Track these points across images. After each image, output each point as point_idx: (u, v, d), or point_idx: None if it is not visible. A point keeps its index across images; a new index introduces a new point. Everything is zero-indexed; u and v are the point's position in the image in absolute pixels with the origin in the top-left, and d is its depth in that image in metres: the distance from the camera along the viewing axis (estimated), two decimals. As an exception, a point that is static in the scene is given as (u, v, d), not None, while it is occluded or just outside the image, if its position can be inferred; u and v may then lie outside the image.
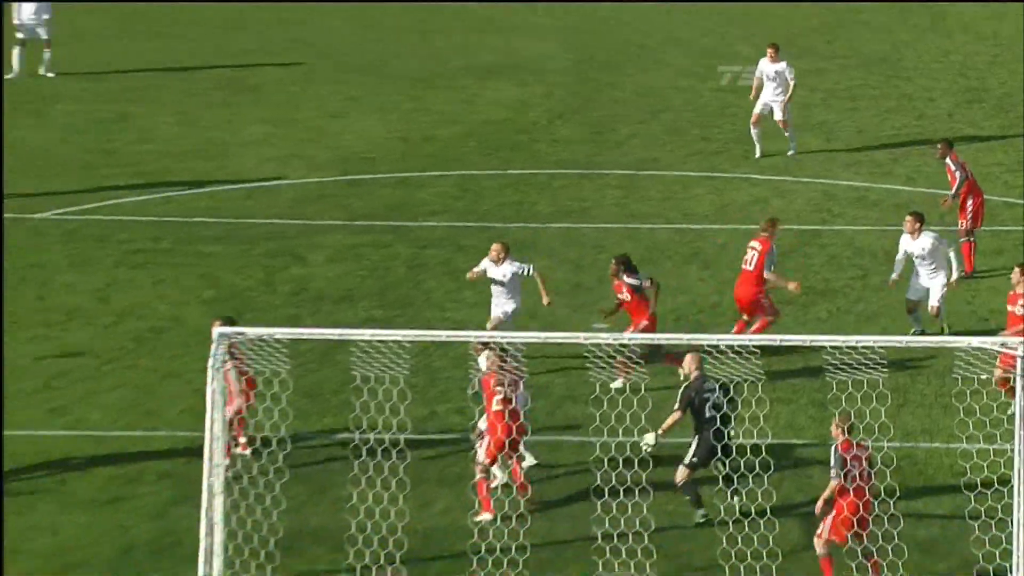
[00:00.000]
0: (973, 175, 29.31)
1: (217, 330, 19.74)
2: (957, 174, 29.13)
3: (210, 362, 19.57)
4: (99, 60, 39.75)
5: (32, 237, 30.54)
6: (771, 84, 33.70)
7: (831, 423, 20.21)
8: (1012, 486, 19.73)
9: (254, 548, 20.03)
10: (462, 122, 36.91)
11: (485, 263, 25.32)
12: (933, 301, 26.32)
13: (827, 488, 19.97)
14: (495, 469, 21.60)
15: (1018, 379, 19.65)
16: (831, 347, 20.54)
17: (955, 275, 26.41)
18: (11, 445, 23.48)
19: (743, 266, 25.83)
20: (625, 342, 20.59)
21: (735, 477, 21.13)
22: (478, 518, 20.90)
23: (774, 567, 20.23)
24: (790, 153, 33.91)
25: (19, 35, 38.64)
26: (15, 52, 38.74)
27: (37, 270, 29.20)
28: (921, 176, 33.84)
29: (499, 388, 21.31)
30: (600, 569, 20.10)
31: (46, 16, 38.59)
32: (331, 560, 20.75)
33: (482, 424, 21.76)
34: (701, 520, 21.14)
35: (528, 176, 33.80)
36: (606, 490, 20.71)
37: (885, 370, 20.75)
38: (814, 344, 20.81)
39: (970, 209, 29.06)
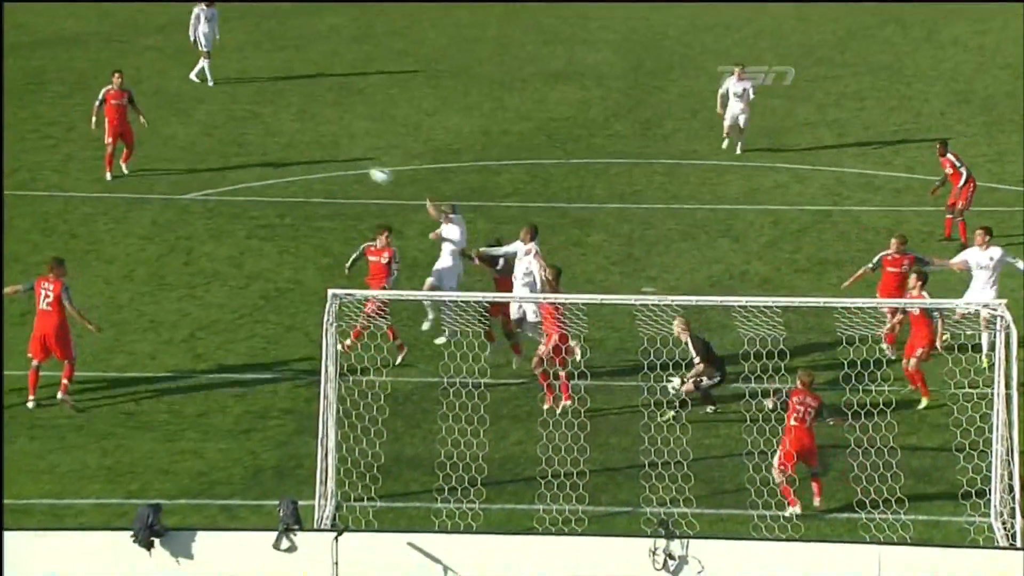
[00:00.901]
0: (967, 166, 29.14)
1: (331, 291, 19.83)
2: (962, 169, 28.85)
3: (324, 318, 19.68)
4: (235, 68, 39.86)
5: (180, 214, 30.75)
6: (737, 101, 32.61)
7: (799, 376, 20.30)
8: (991, 423, 19.62)
9: (360, 472, 20.16)
10: (533, 119, 36.81)
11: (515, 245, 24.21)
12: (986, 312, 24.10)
13: (766, 403, 20.52)
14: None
15: (998, 333, 19.51)
16: (841, 308, 20.45)
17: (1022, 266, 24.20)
18: (161, 385, 23.73)
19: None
20: (669, 302, 20.54)
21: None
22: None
23: (792, 491, 20.20)
24: (738, 151, 33.09)
25: (201, 48, 38.37)
26: (203, 64, 38.51)
27: (184, 241, 29.40)
28: (918, 165, 33.52)
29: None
30: (647, 492, 20.11)
31: (216, 34, 38.52)
32: (423, 483, 20.84)
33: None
34: (711, 411, 21.82)
35: (587, 164, 33.69)
36: (652, 426, 20.72)
37: (886, 327, 20.61)
38: (827, 305, 20.74)
39: (967, 194, 28.80)
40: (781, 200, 31.61)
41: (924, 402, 21.88)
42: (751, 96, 33.07)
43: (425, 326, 24.25)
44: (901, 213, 30.86)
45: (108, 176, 32.05)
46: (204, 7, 38.48)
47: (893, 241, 24.45)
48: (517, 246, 24.02)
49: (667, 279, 27.67)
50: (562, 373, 22.09)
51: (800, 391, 20.21)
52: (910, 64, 41.13)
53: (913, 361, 21.84)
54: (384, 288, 23.44)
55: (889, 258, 24.20)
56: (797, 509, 19.91)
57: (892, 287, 24.03)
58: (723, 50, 42.37)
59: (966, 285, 24.45)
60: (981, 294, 23.95)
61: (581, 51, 42.39)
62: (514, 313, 23.37)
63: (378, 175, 20.44)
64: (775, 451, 20.31)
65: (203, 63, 38.59)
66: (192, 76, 38.78)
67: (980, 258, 24.28)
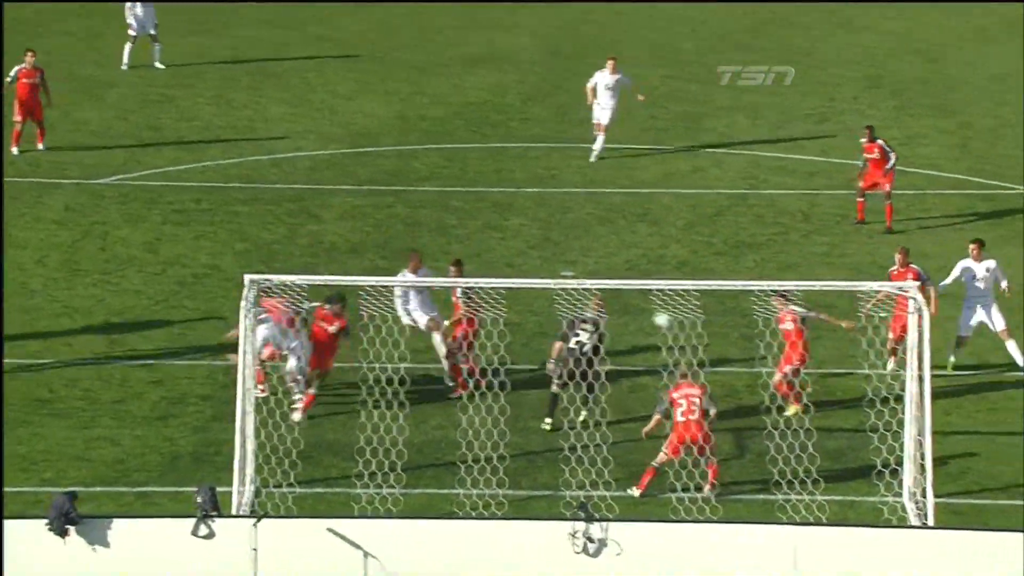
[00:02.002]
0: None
1: (248, 277, 19.68)
2: (891, 155, 28.88)
3: (242, 303, 19.53)
4: (149, 53, 39.38)
5: (94, 199, 30.39)
6: (607, 94, 31.29)
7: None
8: (904, 404, 19.85)
9: (279, 458, 20.04)
10: (450, 104, 36.75)
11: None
12: (1000, 325, 23.39)
13: (651, 422, 20.27)
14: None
15: (911, 316, 19.73)
16: (758, 290, 20.60)
17: (1005, 285, 23.47)
18: (76, 372, 23.45)
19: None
20: (587, 286, 20.59)
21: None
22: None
23: (651, 477, 20.32)
24: (592, 158, 31.51)
25: (131, 32, 37.96)
26: (127, 48, 38.12)
27: (98, 226, 29.06)
28: (832, 149, 33.81)
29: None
30: (566, 475, 20.16)
31: (154, 18, 38.04)
32: (342, 468, 20.77)
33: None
34: (548, 423, 21.35)
35: (505, 148, 33.69)
36: (571, 409, 20.76)
37: (802, 310, 20.79)
38: (744, 288, 20.87)
39: (892, 177, 28.95)
40: (698, 184, 31.78)
41: (792, 409, 21.63)
42: (627, 89, 31.52)
43: None
44: (815, 196, 31.13)
45: (15, 151, 31.77)
46: None
47: (897, 256, 23.45)
48: (407, 277, 22.88)
49: (585, 263, 27.74)
50: (463, 364, 22.04)
51: (681, 384, 20.29)
52: (824, 49, 41.49)
53: (778, 376, 21.78)
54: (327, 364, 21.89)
55: (895, 272, 23.25)
56: (636, 493, 20.01)
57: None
58: (639, 37, 42.50)
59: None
60: (982, 309, 23.26)
61: (498, 36, 42.35)
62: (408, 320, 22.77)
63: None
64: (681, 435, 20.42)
65: (157, 46, 38.17)
66: (157, 64, 38.23)
67: (977, 270, 23.56)
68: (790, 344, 21.78)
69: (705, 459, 20.22)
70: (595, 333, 21.05)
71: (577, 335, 20.98)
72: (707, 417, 20.15)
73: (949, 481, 20.52)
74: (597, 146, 31.76)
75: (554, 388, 21.28)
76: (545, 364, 21.27)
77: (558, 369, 21.23)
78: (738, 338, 24.26)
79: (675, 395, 20.25)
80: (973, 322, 23.58)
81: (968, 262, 23.71)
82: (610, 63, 31.86)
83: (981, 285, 23.52)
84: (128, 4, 38.18)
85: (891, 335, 22.65)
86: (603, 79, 31.75)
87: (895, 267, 23.48)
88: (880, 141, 29.10)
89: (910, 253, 23.56)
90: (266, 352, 21.45)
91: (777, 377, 21.69)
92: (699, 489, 20.07)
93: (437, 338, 22.81)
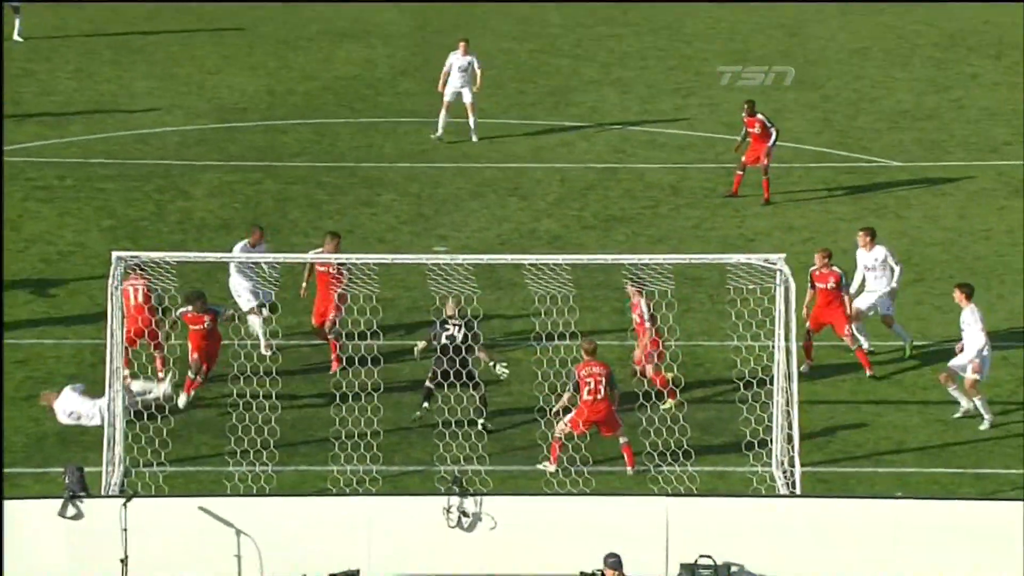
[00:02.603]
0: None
1: (115, 254, 19.42)
2: (772, 129, 28.92)
3: (109, 281, 19.27)
4: (8, 26, 38.54)
5: (-48, 176, 29.66)
6: (461, 75, 31.38)
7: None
8: (772, 376, 20.19)
9: (149, 437, 19.82)
10: (319, 78, 36.48)
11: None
12: (885, 310, 23.19)
13: (562, 399, 20.35)
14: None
15: (778, 288, 20.05)
16: (628, 264, 20.79)
17: (897, 279, 23.14)
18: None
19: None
20: (460, 262, 20.59)
21: (484, 409, 21.08)
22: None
23: (583, 445, 20.52)
24: (473, 139, 31.40)
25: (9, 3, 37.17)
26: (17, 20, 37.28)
27: (-41, 204, 28.40)
28: (699, 123, 34.13)
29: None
30: (440, 450, 20.19)
31: None
32: (214, 446, 20.60)
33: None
34: (417, 416, 21.01)
35: (375, 124, 33.54)
36: (445, 385, 20.79)
37: (672, 282, 21.05)
38: (615, 262, 21.05)
39: (772, 152, 29.19)
40: (568, 158, 31.94)
41: (668, 403, 21.48)
42: (477, 71, 31.32)
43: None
44: (685, 170, 31.46)
45: None
46: None
47: (817, 257, 22.98)
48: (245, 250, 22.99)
49: (458, 238, 27.76)
50: (330, 338, 21.98)
51: (587, 363, 20.43)
52: (690, 24, 41.87)
53: (649, 368, 21.85)
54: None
55: (816, 273, 22.88)
56: (552, 467, 20.18)
57: (820, 305, 22.77)
58: (507, 10, 42.53)
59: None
60: (875, 295, 22.85)
61: (366, 9, 42.09)
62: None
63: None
64: (565, 407, 20.56)
65: (17, 19, 37.32)
66: (16, 37, 37.37)
67: (866, 259, 23.27)
68: (642, 332, 21.84)
69: (619, 439, 20.35)
70: (463, 326, 20.98)
71: (447, 330, 20.91)
72: (611, 396, 20.32)
73: (815, 450, 20.92)
74: (472, 124, 31.71)
75: (428, 384, 21.11)
76: (414, 350, 21.17)
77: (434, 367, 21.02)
78: (609, 311, 24.46)
79: (581, 372, 20.34)
80: (866, 300, 23.13)
81: (859, 252, 23.43)
82: (462, 45, 31.78)
83: (872, 274, 23.15)
84: None
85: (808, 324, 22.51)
86: (458, 61, 31.83)
87: (815, 267, 22.96)
88: (760, 115, 29.35)
89: (832, 256, 22.97)
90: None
91: (649, 369, 21.75)
92: (572, 462, 20.21)
93: (256, 320, 22.54)
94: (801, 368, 21.76)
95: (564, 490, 19.64)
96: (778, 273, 19.99)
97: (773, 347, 20.10)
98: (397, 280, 24.81)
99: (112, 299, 19.20)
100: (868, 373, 22.81)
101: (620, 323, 23.56)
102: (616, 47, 39.53)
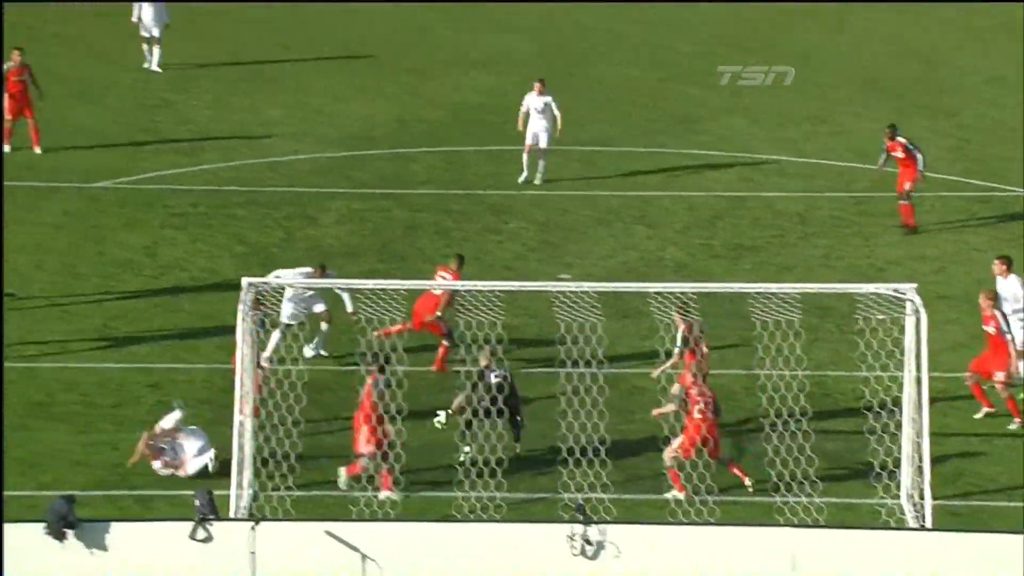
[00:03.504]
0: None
1: (246, 280, 19.75)
2: (916, 152, 28.47)
3: (239, 307, 19.60)
4: (148, 55, 39.44)
5: (91, 203, 30.43)
6: (539, 116, 30.50)
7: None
8: (902, 406, 19.92)
9: (277, 461, 20.09)
10: (447, 106, 36.82)
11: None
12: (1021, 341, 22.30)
13: (666, 406, 20.31)
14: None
15: (908, 318, 19.80)
16: (755, 293, 20.66)
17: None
18: (74, 375, 23.50)
19: None
20: (585, 289, 20.63)
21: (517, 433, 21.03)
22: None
23: (707, 475, 20.40)
24: (537, 181, 30.73)
25: (143, 33, 38.09)
26: (144, 48, 38.26)
27: (95, 230, 29.11)
28: (830, 152, 33.88)
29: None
30: (564, 478, 20.22)
31: (165, 18, 38.09)
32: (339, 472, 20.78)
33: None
34: (463, 458, 20.77)
35: (503, 151, 33.75)
36: (569, 412, 20.84)
37: (800, 312, 20.87)
38: (741, 291, 20.93)
39: (915, 176, 28.48)
40: (696, 186, 31.86)
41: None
42: (555, 112, 30.52)
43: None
44: (813, 199, 31.22)
45: (7, 148, 31.95)
46: None
47: (981, 298, 22.07)
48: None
49: (583, 265, 27.81)
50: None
51: (696, 383, 20.38)
52: (820, 52, 41.58)
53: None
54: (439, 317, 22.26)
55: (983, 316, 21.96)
56: (681, 495, 20.08)
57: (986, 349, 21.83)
58: (637, 39, 42.59)
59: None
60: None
61: (495, 38, 42.43)
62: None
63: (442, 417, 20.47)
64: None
65: (156, 49, 38.26)
66: (154, 67, 38.29)
67: (1002, 289, 22.62)
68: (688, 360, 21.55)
69: (722, 460, 20.28)
70: (505, 378, 20.96)
71: (488, 380, 20.90)
72: (716, 421, 20.28)
73: (946, 483, 20.59)
74: (541, 166, 30.98)
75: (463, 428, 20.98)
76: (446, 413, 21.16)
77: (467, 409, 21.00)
78: (735, 340, 24.32)
79: (692, 392, 20.29)
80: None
81: (997, 281, 22.86)
82: (537, 85, 30.88)
83: (1008, 306, 22.46)
84: (136, 4, 38.17)
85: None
86: (533, 102, 30.79)
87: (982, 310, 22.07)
88: (901, 138, 28.94)
89: (997, 299, 22.07)
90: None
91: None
92: (697, 492, 20.12)
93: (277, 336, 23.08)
94: (979, 415, 21.32)
95: (689, 519, 19.54)
96: (909, 303, 19.74)
97: (903, 378, 19.84)
98: (522, 308, 24.91)
99: (242, 324, 19.52)
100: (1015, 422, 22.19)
101: (747, 352, 23.43)
102: (748, 76, 39.33)
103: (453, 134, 34.88)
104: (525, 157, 30.95)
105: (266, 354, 22.53)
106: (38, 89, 32.38)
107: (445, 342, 23.31)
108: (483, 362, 21.24)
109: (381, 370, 20.07)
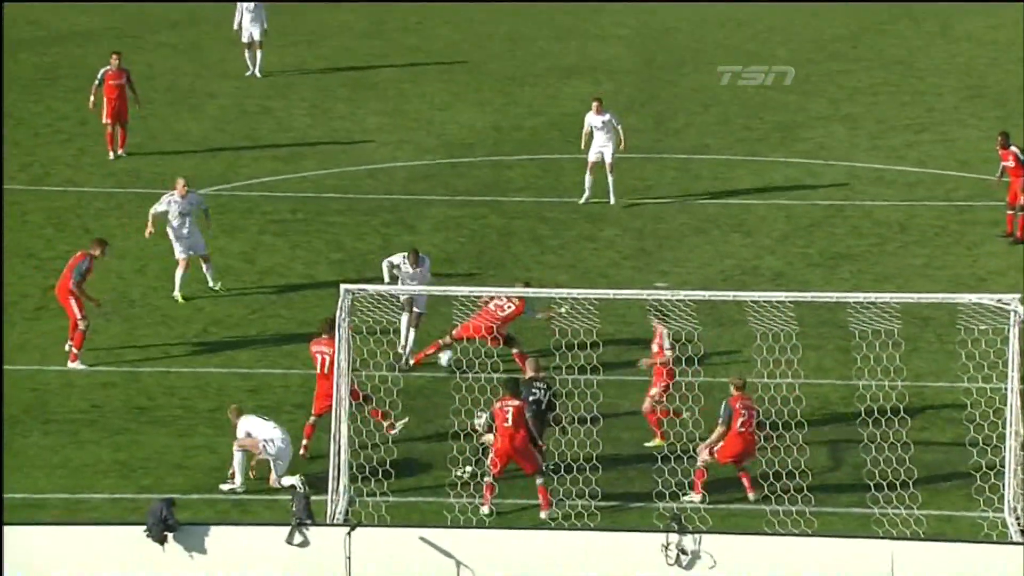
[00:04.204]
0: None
1: (343, 286, 19.85)
2: None
3: (337, 313, 19.71)
4: (247, 63, 39.85)
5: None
6: (600, 133, 29.79)
7: (730, 380, 20.02)
8: (1004, 419, 19.59)
9: (373, 467, 20.18)
10: (545, 114, 36.81)
11: None
12: None
13: (715, 433, 20.07)
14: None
15: (1012, 329, 19.48)
16: (854, 302, 20.44)
17: None
18: (174, 380, 23.77)
19: None
20: (681, 297, 20.54)
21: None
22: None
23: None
24: (611, 201, 29.94)
25: (244, 40, 38.58)
26: (246, 55, 38.76)
27: (196, 236, 29.37)
28: (930, 160, 33.45)
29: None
30: (659, 486, 20.11)
31: (263, 22, 38.46)
32: (436, 477, 20.86)
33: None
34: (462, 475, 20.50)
35: (600, 159, 33.61)
36: (664, 421, 20.67)
37: (899, 321, 20.61)
38: (839, 300, 20.71)
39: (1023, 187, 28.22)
40: (793, 194, 31.58)
41: (655, 442, 21.21)
42: (617, 127, 29.74)
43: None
44: (913, 207, 30.83)
45: (111, 155, 32.40)
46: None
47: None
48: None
49: (679, 274, 27.67)
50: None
51: (739, 396, 20.25)
52: (923, 58, 41.06)
53: (647, 403, 21.44)
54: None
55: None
56: (698, 498, 19.93)
57: None
58: (735, 45, 42.32)
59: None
60: None
61: (592, 46, 42.36)
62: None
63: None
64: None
65: (259, 53, 38.66)
66: (256, 73, 38.71)
67: None
68: (656, 368, 21.44)
69: (740, 468, 20.21)
70: (548, 391, 20.85)
71: (533, 394, 20.79)
72: (757, 432, 20.21)
73: (1050, 497, 20.19)
74: (610, 183, 29.97)
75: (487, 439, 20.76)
76: (473, 422, 20.97)
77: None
78: (833, 350, 24.06)
79: (736, 405, 20.19)
80: None
81: None
82: (595, 104, 30.10)
83: None
84: (239, 5, 38.48)
85: None
86: (593, 120, 30.07)
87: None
88: (1014, 148, 28.52)
89: None
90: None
91: (646, 404, 21.39)
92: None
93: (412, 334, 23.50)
94: None
95: (785, 530, 19.35)
96: (1012, 314, 19.41)
97: (1006, 389, 19.51)
98: (618, 315, 24.83)
99: (339, 329, 19.63)
100: None
101: (844, 361, 23.19)
102: (845, 83, 38.99)
103: (550, 142, 34.86)
104: (588, 178, 30.17)
105: (408, 345, 23.04)
106: (135, 94, 32.78)
107: (515, 350, 23.16)
108: (529, 372, 21.09)
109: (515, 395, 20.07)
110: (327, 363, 21.17)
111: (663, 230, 29.79)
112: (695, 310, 21.44)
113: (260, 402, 23.02)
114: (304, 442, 21.48)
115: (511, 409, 20.07)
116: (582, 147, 30.52)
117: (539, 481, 19.97)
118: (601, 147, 30.05)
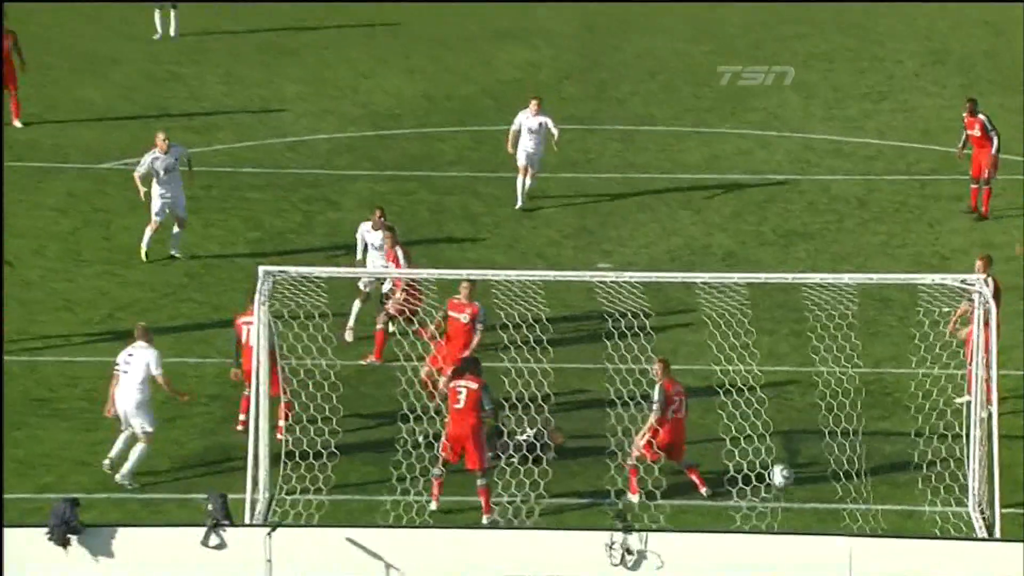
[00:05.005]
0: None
1: (262, 268, 19.77)
2: (993, 134, 28.19)
3: (256, 297, 19.63)
4: (163, 22, 39.53)
5: (96, 184, 30.55)
6: (532, 137, 28.60)
7: (656, 363, 20.07)
8: (968, 407, 19.81)
9: (296, 462, 20.12)
10: (479, 82, 36.80)
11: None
12: None
13: (648, 421, 20.09)
14: None
15: (977, 311, 19.71)
16: (809, 283, 20.61)
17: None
18: (78, 370, 23.61)
19: None
20: (626, 279, 20.61)
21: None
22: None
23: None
24: (518, 204, 28.94)
25: None
26: (156, 16, 38.52)
27: (101, 214, 29.22)
28: (890, 130, 33.75)
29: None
30: (604, 483, 20.21)
31: None
32: (364, 473, 20.83)
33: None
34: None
35: (538, 130, 33.64)
36: (612, 414, 20.82)
37: (857, 304, 20.80)
38: (794, 281, 20.88)
39: (996, 160, 28.23)
40: (745, 168, 31.79)
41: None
42: (552, 130, 28.55)
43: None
44: (872, 182, 31.10)
45: (18, 124, 32.20)
46: None
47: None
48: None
49: (623, 253, 27.79)
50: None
51: (670, 381, 20.29)
52: (882, 23, 41.38)
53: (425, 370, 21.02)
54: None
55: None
56: (636, 499, 20.02)
57: None
58: (683, 10, 42.45)
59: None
60: None
61: (530, 8, 42.36)
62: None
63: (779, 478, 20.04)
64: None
65: (173, 13, 38.43)
66: (172, 32, 38.49)
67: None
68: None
69: (686, 465, 20.30)
70: (537, 435, 20.83)
71: (517, 435, 20.83)
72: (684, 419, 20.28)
73: (1018, 490, 20.49)
74: (527, 186, 29.04)
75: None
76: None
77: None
78: (788, 334, 24.26)
79: (671, 391, 20.25)
80: None
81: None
82: (533, 104, 28.80)
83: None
84: None
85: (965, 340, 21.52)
86: (527, 121, 28.76)
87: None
88: (982, 116, 28.66)
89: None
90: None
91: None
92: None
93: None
94: None
95: (738, 527, 19.50)
96: (977, 295, 19.64)
97: (971, 373, 19.72)
98: (559, 299, 24.89)
99: (258, 315, 19.56)
100: None
101: (798, 345, 23.38)
102: (799, 48, 39.25)
103: (484, 111, 34.87)
104: (520, 180, 28.99)
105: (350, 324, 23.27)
106: (21, 59, 32.46)
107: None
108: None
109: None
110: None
111: (606, 207, 29.89)
112: (641, 293, 21.53)
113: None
114: (241, 417, 21.43)
115: (465, 390, 20.02)
116: (508, 148, 29.15)
117: (481, 482, 19.99)
118: (530, 152, 28.79)
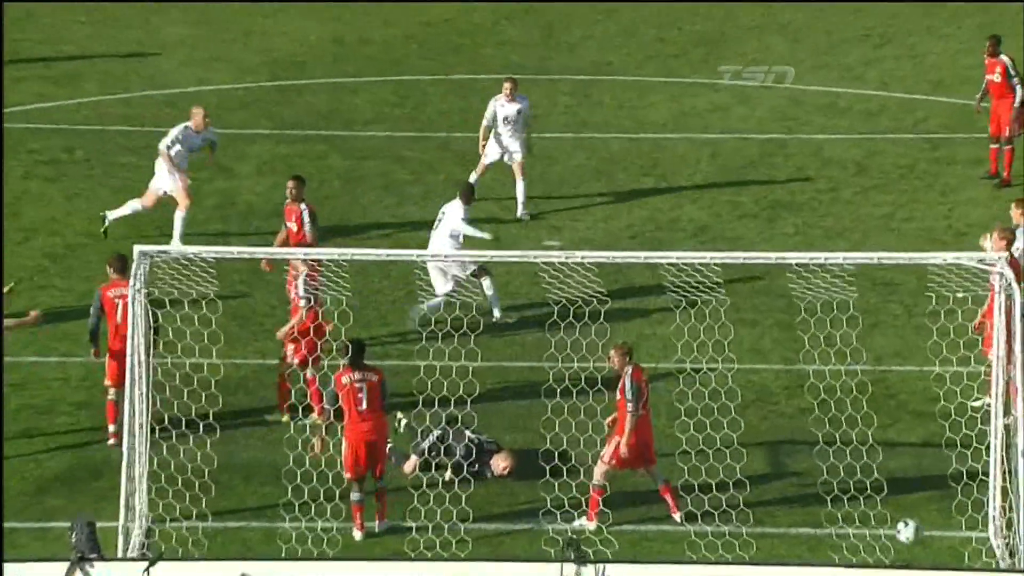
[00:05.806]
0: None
1: (138, 248, 19.74)
2: (1015, 82, 28.22)
3: (130, 282, 19.60)
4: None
5: (-67, 147, 30.40)
6: (508, 128, 28.05)
7: (614, 351, 20.11)
8: (988, 413, 20.00)
9: (182, 483, 20.11)
10: (400, 24, 36.83)
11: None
12: None
13: (628, 421, 20.12)
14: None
15: (998, 295, 19.88)
16: (797, 264, 20.74)
17: None
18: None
19: None
20: (579, 260, 20.68)
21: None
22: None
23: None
24: (519, 214, 28.25)
25: None
26: None
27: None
28: (895, 81, 34.01)
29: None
30: (549, 504, 20.30)
31: None
32: (264, 496, 20.87)
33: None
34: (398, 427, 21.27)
35: (472, 81, 33.79)
36: (557, 422, 20.91)
37: (855, 289, 20.99)
38: (780, 262, 21.00)
39: (1015, 115, 28.32)
40: (721, 127, 31.97)
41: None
42: (529, 120, 28.27)
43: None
44: (873, 142, 31.35)
45: None
46: None
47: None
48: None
49: (576, 229, 27.92)
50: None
51: (638, 370, 20.31)
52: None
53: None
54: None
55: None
56: (593, 525, 20.13)
57: None
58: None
59: None
60: None
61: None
62: None
63: (907, 534, 19.54)
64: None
65: None
66: None
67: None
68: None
69: (659, 479, 20.41)
70: (474, 443, 21.13)
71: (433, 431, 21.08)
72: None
73: (1046, 510, 20.73)
74: (519, 194, 28.33)
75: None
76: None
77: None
78: (772, 326, 24.42)
79: (640, 380, 20.20)
80: None
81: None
82: (507, 87, 28.13)
83: None
84: None
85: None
86: (502, 109, 28.16)
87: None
88: (1005, 57, 28.76)
89: None
90: None
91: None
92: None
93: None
94: None
95: (714, 556, 19.64)
96: (997, 277, 19.82)
97: (993, 373, 19.93)
98: (499, 283, 24.95)
99: (134, 305, 19.53)
100: None
101: (783, 339, 23.54)
102: (785, -18, 39.51)
103: (407, 58, 34.90)
104: (474, 178, 28.01)
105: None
106: None
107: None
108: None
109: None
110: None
111: (555, 173, 30.00)
112: (598, 275, 21.62)
113: (29, 400, 22.85)
114: (111, 428, 21.40)
115: (365, 385, 19.99)
116: (481, 140, 28.54)
117: (380, 485, 20.05)
118: (508, 145, 28.28)
